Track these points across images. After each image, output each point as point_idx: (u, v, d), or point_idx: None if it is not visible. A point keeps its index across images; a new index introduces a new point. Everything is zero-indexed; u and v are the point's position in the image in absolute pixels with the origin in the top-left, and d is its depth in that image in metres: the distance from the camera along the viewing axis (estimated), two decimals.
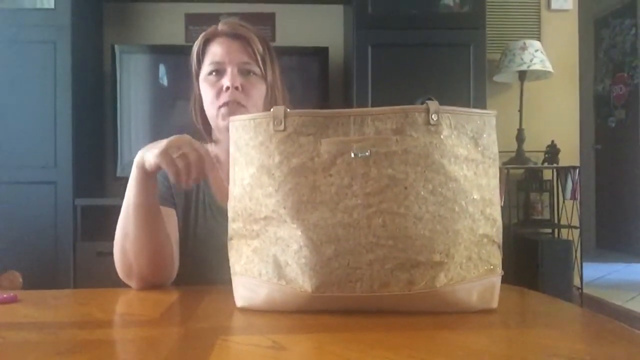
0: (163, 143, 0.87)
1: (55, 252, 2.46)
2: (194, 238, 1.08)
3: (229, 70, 1.05)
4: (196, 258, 1.06)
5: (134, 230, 0.94)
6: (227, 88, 1.04)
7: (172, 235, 1.03)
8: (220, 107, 1.05)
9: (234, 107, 1.04)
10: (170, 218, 1.05)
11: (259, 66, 1.08)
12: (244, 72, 1.07)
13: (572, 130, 3.16)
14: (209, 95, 1.07)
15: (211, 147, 1.16)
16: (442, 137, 0.72)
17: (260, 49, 1.08)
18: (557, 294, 0.94)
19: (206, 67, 1.08)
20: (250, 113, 1.04)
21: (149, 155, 0.88)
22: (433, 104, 0.73)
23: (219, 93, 1.05)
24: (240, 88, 1.04)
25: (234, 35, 1.08)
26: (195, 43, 1.11)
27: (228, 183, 1.09)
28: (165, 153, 0.85)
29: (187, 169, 0.86)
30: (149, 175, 0.91)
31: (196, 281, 1.02)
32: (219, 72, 1.06)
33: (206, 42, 1.10)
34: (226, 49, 1.07)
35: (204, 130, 1.15)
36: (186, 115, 1.19)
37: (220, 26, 1.09)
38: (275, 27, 3.03)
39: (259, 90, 1.08)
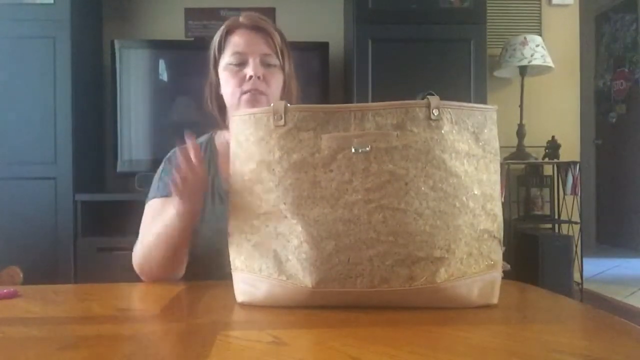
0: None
1: (56, 247, 2.46)
2: (202, 223, 1.09)
3: (251, 60, 1.09)
4: (205, 243, 1.07)
5: (165, 250, 0.99)
6: (250, 77, 1.08)
7: None
8: (242, 94, 1.09)
9: (256, 94, 1.08)
10: None
11: (278, 58, 1.12)
12: (265, 63, 1.11)
13: (573, 126, 3.15)
14: (230, 84, 1.11)
15: (225, 135, 1.19)
16: (442, 132, 0.72)
17: (280, 41, 1.13)
18: (557, 290, 0.94)
19: (227, 57, 1.12)
20: (269, 102, 1.08)
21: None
22: (434, 99, 0.72)
23: (241, 82, 1.09)
24: (262, 77, 1.09)
25: (255, 28, 1.12)
26: (217, 33, 1.15)
27: None
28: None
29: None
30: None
31: (206, 265, 1.05)
32: (241, 62, 1.10)
33: (228, 33, 1.14)
34: (248, 41, 1.11)
35: (219, 117, 1.19)
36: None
37: (242, 18, 1.13)
38: (276, 22, 3.01)
39: (278, 81, 1.13)
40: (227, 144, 1.16)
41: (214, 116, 1.19)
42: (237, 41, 1.11)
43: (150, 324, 0.71)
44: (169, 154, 1.17)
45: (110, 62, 2.73)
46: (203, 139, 1.20)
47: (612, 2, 4.67)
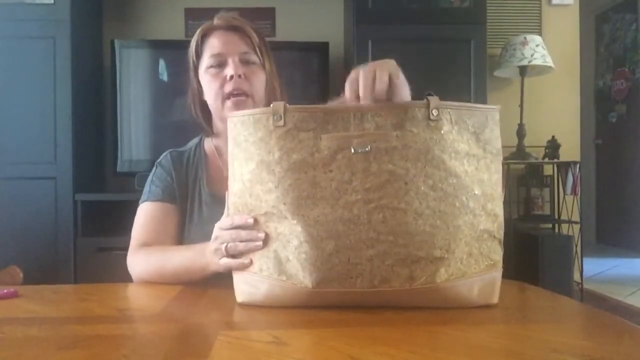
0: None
1: (56, 247, 2.46)
2: (190, 225, 1.10)
3: (230, 60, 1.08)
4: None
5: (179, 282, 0.95)
6: (231, 77, 1.06)
7: (174, 231, 1.08)
8: (225, 98, 1.07)
9: (239, 97, 1.07)
10: (172, 214, 1.09)
11: (257, 55, 1.11)
12: (244, 62, 1.09)
13: (573, 125, 3.15)
14: (212, 87, 1.09)
15: (212, 140, 1.18)
16: (442, 132, 0.72)
17: (257, 39, 1.11)
18: (557, 289, 0.94)
19: (206, 60, 1.10)
20: (254, 102, 1.08)
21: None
22: (433, 100, 0.72)
23: (222, 83, 1.08)
24: (243, 76, 1.07)
25: (231, 28, 1.11)
26: (193, 38, 1.13)
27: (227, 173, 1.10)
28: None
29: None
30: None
31: None
32: (220, 63, 1.09)
33: (204, 37, 1.12)
34: (225, 41, 1.09)
35: (205, 123, 1.17)
36: (186, 110, 1.20)
37: (216, 20, 1.12)
38: (276, 22, 3.01)
39: (260, 79, 1.11)
40: (215, 149, 1.16)
41: (200, 123, 1.17)
42: (214, 43, 1.10)
43: (150, 324, 0.71)
44: (160, 158, 1.16)
45: (110, 62, 2.73)
46: (192, 143, 1.20)
47: (612, 2, 4.67)
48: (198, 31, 1.12)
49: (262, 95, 1.11)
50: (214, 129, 1.17)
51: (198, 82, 1.14)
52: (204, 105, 1.15)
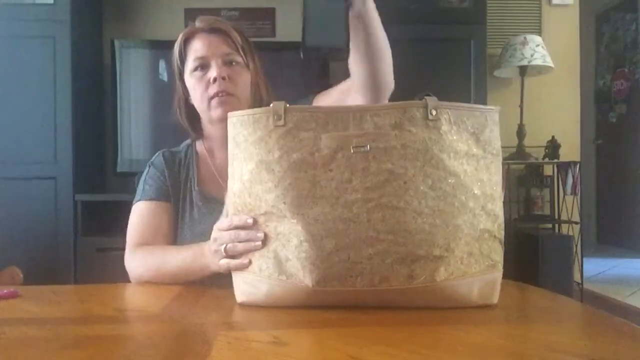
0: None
1: (56, 247, 2.46)
2: (181, 225, 1.10)
3: (213, 62, 1.08)
4: (185, 244, 1.07)
5: (177, 282, 0.95)
6: (215, 79, 1.07)
7: (169, 229, 1.09)
8: (210, 99, 1.08)
9: (224, 96, 1.07)
10: (166, 212, 1.10)
11: (240, 55, 1.11)
12: (228, 63, 1.10)
13: (573, 126, 3.15)
14: (197, 90, 1.10)
15: (203, 142, 1.18)
16: (440, 132, 0.72)
17: (239, 39, 1.11)
18: (557, 290, 0.94)
19: (190, 64, 1.10)
20: (240, 101, 1.08)
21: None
22: (431, 100, 0.73)
23: (207, 86, 1.08)
24: (227, 78, 1.07)
25: (213, 30, 1.11)
26: (176, 43, 1.13)
27: (219, 175, 1.09)
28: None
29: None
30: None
31: None
32: (203, 66, 1.09)
33: (186, 41, 1.12)
34: (207, 44, 1.09)
35: (190, 127, 1.17)
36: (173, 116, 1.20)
37: (198, 23, 1.12)
38: (276, 22, 3.01)
39: (245, 79, 1.11)
40: (207, 151, 1.16)
41: (185, 128, 1.18)
42: (196, 46, 1.10)
43: (150, 324, 0.71)
44: (152, 158, 1.17)
45: (110, 62, 2.73)
46: (185, 143, 1.20)
47: (612, 2, 4.67)
48: (180, 36, 1.13)
49: (247, 94, 1.11)
50: (203, 132, 1.17)
51: (184, 86, 1.14)
52: (190, 110, 1.15)
